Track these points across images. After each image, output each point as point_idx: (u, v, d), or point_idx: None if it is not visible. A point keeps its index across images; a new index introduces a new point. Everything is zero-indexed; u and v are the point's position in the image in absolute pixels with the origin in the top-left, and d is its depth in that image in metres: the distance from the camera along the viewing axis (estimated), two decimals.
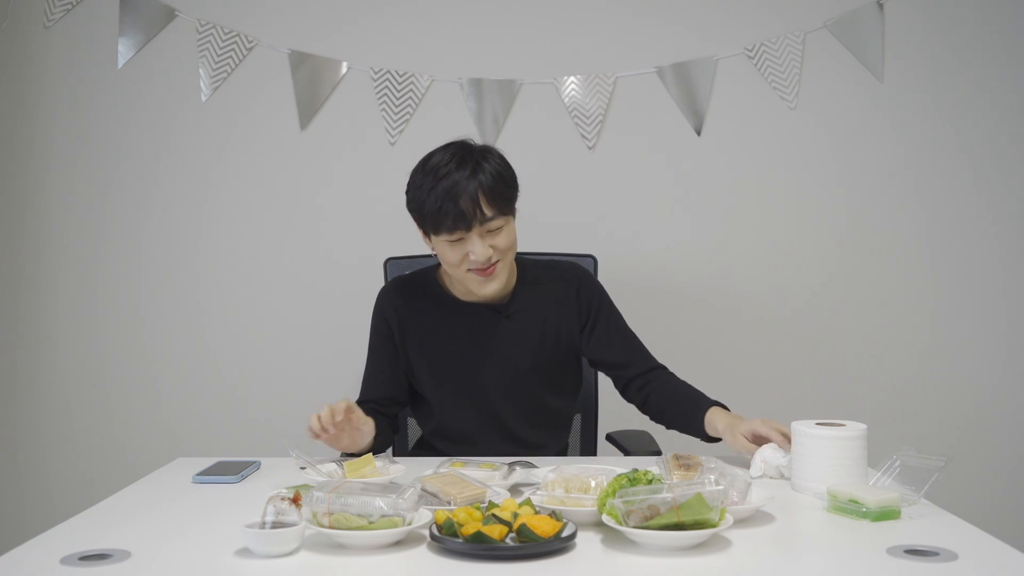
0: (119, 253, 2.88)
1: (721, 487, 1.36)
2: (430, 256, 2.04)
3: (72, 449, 2.88)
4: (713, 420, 1.90)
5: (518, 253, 2.17)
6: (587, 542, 1.36)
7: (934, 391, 2.88)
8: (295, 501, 1.34)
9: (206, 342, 2.89)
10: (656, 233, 2.88)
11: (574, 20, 2.85)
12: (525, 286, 2.10)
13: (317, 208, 2.88)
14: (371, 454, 1.69)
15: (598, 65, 2.85)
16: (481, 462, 1.69)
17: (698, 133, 2.86)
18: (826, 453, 1.61)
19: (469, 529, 1.29)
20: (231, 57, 2.84)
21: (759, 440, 1.79)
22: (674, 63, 2.84)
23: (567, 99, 2.85)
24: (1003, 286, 2.88)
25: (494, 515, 1.34)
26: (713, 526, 1.31)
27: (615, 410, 2.28)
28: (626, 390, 2.10)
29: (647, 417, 2.10)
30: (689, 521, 1.30)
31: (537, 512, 1.37)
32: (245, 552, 1.31)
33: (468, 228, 1.89)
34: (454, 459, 1.76)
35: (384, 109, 2.84)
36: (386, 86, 2.84)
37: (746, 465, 1.74)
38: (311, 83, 2.85)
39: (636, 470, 1.43)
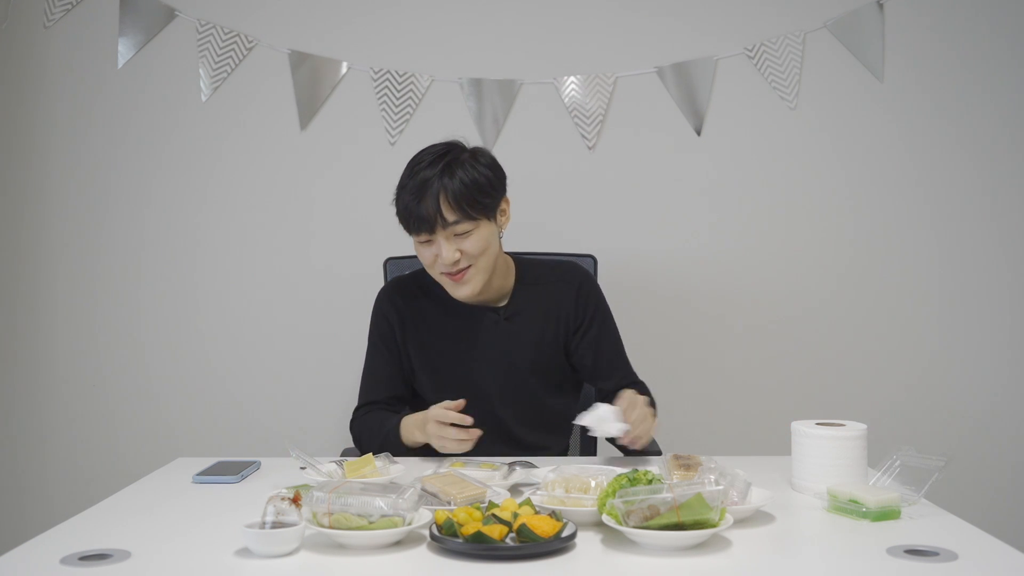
0: (119, 253, 2.88)
1: (721, 487, 1.36)
2: None
3: (72, 449, 2.88)
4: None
5: (518, 253, 2.17)
6: (587, 542, 1.36)
7: (934, 391, 2.88)
8: (295, 501, 1.34)
9: (206, 342, 2.89)
10: (656, 233, 2.88)
11: (574, 20, 2.85)
12: (525, 287, 2.09)
13: (317, 208, 2.88)
14: (371, 454, 1.69)
15: (598, 65, 2.85)
16: (481, 462, 1.69)
17: (698, 133, 2.86)
18: (826, 453, 1.61)
19: (469, 529, 1.29)
20: (231, 57, 2.84)
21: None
22: (674, 63, 2.85)
23: (567, 99, 2.85)
24: (1003, 285, 2.88)
25: (494, 515, 1.34)
26: (713, 526, 1.31)
27: None
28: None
29: None
30: (689, 521, 1.30)
31: (537, 512, 1.37)
32: (245, 552, 1.31)
33: (431, 231, 1.90)
34: (454, 459, 1.77)
35: (384, 109, 2.84)
36: (386, 86, 2.84)
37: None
38: (311, 83, 2.85)
39: (636, 470, 1.43)
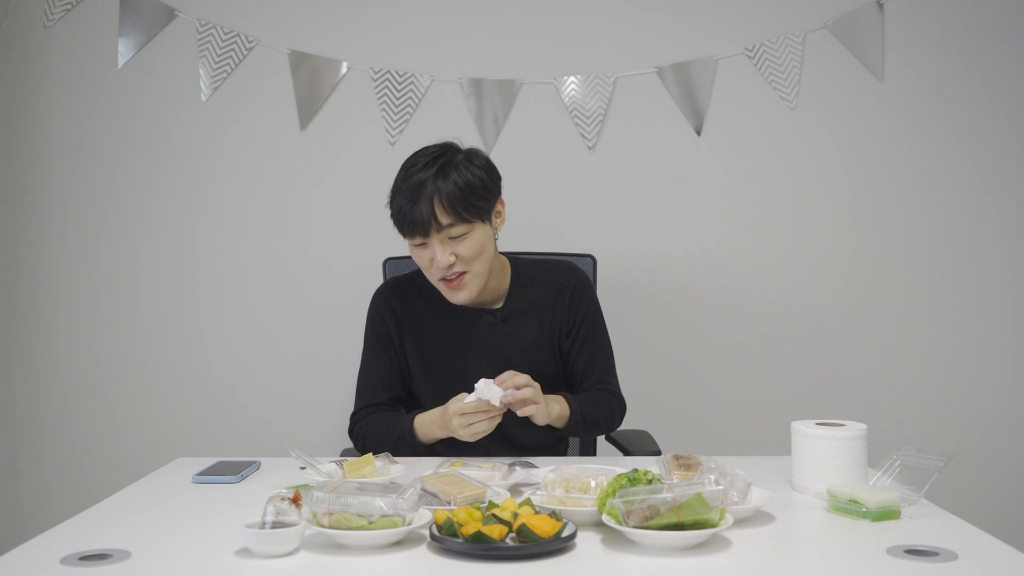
0: (119, 253, 2.88)
1: (721, 487, 1.36)
2: None
3: (72, 449, 2.88)
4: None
5: (514, 253, 2.17)
6: (587, 542, 1.36)
7: (934, 391, 2.88)
8: (295, 501, 1.34)
9: (206, 341, 2.89)
10: (655, 233, 2.88)
11: (574, 20, 2.85)
12: (520, 288, 2.08)
13: (317, 208, 2.88)
14: (371, 454, 1.69)
15: (598, 65, 2.85)
16: (481, 462, 1.69)
17: (698, 133, 2.86)
18: (826, 453, 1.61)
19: (469, 529, 1.29)
20: (231, 57, 2.84)
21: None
22: (674, 63, 2.85)
23: (567, 99, 2.85)
24: (1003, 283, 2.88)
25: (494, 515, 1.34)
26: (713, 526, 1.31)
27: None
28: None
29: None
30: (689, 521, 1.30)
31: (537, 512, 1.37)
32: (245, 552, 1.31)
33: (426, 234, 1.89)
34: (454, 459, 1.76)
35: (384, 109, 2.84)
36: (386, 86, 2.84)
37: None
38: (311, 83, 2.85)
39: (636, 470, 1.43)
